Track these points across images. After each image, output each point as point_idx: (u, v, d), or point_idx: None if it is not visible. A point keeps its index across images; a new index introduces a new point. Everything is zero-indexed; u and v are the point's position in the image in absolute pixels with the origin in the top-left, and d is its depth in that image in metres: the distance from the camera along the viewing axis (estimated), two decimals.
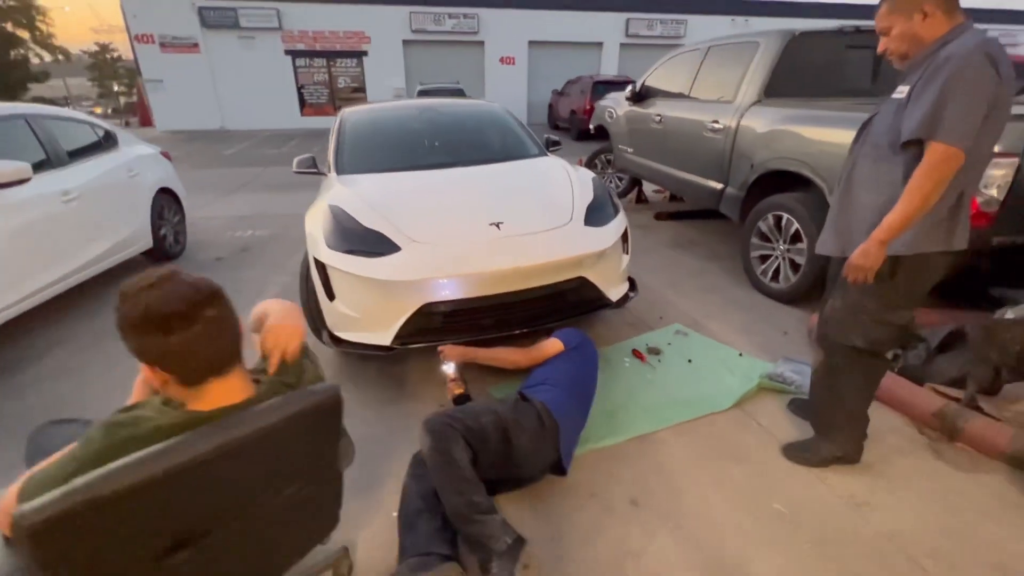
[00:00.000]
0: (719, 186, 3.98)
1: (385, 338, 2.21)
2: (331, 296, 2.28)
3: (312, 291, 2.40)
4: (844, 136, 2.78)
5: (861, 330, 1.67)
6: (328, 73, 16.62)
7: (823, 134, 2.98)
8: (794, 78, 3.60)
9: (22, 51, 30.66)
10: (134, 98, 26.27)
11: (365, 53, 16.50)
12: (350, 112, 3.61)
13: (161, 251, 4.29)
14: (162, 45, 15.06)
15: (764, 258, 3.53)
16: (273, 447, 0.92)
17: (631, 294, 2.76)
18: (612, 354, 2.68)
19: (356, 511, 1.70)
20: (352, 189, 2.65)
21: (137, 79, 17.07)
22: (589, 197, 2.64)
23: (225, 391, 0.89)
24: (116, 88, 44.46)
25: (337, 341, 2.31)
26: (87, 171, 3.53)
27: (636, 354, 2.66)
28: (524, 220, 2.40)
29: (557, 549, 1.54)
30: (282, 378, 1.02)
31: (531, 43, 17.37)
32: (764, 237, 3.49)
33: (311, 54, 16.23)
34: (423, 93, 12.31)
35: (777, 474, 1.84)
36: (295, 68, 16.29)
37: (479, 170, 2.99)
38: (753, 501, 1.72)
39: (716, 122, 3.91)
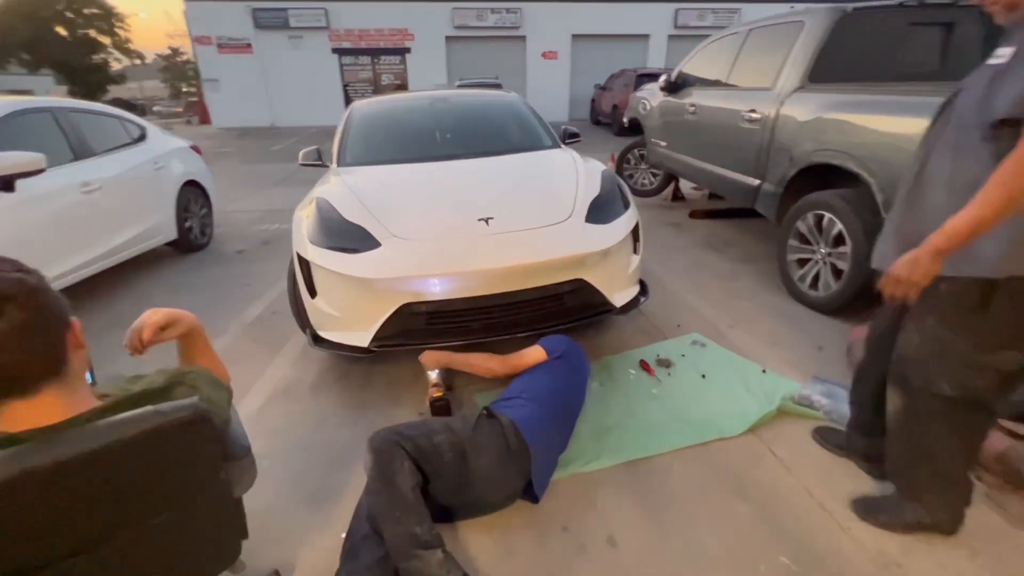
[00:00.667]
0: (755, 182, 3.62)
1: (364, 339, 2.08)
2: (312, 293, 2.18)
3: (297, 288, 2.31)
4: (900, 125, 2.43)
5: (949, 375, 1.30)
6: (373, 70, 16.92)
7: (874, 122, 2.60)
8: (844, 61, 3.20)
9: (103, 55, 33.16)
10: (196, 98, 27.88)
11: (408, 50, 16.67)
12: (360, 104, 3.52)
13: (186, 242, 4.38)
14: (219, 46, 15.80)
15: (802, 262, 3.16)
16: (109, 473, 0.78)
17: (642, 298, 2.51)
18: (616, 364, 2.44)
19: (306, 527, 1.57)
20: (344, 181, 2.54)
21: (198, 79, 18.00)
22: (595, 192, 2.41)
23: (35, 412, 0.75)
24: (184, 89, 47.39)
25: (318, 340, 2.20)
26: (111, 163, 3.62)
27: (643, 365, 2.40)
28: (517, 216, 2.20)
29: None
30: (136, 394, 0.88)
31: (574, 37, 17.00)
32: (803, 239, 3.13)
33: (356, 52, 16.57)
34: (462, 87, 12.27)
35: (788, 518, 1.56)
36: (341, 66, 16.69)
37: (481, 163, 2.81)
38: (755, 550, 1.45)
39: (753, 111, 3.55)
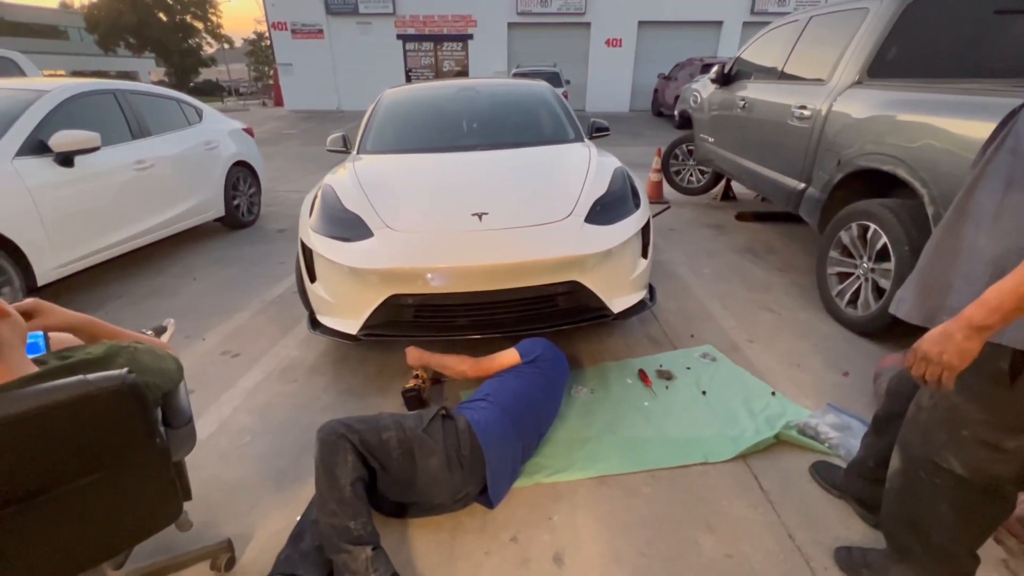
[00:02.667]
0: (800, 185, 3.33)
1: (353, 327, 2.11)
2: (312, 278, 2.24)
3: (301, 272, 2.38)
4: (962, 128, 2.14)
5: (961, 452, 1.11)
6: (434, 56, 17.13)
7: (931, 125, 2.30)
8: (910, 53, 2.85)
9: (196, 40, 35.80)
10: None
11: (470, 36, 16.71)
12: (389, 92, 3.56)
13: (233, 219, 4.65)
14: (293, 32, 16.56)
15: (843, 276, 2.88)
16: (37, 435, 0.83)
17: (648, 303, 2.39)
18: (613, 372, 2.34)
19: (269, 504, 1.63)
20: (355, 169, 2.58)
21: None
22: (601, 191, 2.30)
23: None
24: (268, 72, 50.29)
25: (315, 324, 2.27)
26: (165, 143, 3.89)
27: (642, 376, 2.29)
28: (513, 212, 2.14)
29: None
30: (73, 362, 0.93)
31: (641, 23, 16.35)
32: (845, 251, 2.85)
33: (420, 38, 16.83)
34: (518, 76, 12.16)
35: (759, 558, 1.43)
36: (405, 52, 17.03)
37: (495, 155, 2.76)
38: None
39: (804, 108, 3.25)
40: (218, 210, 4.44)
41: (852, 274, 2.80)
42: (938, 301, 1.09)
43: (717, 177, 5.56)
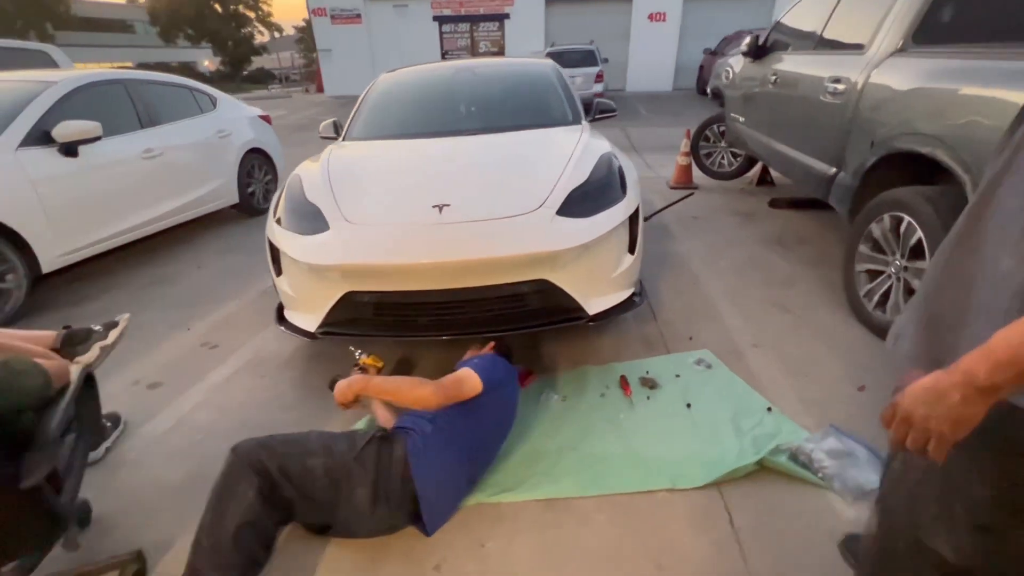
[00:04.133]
0: (831, 170, 2.95)
1: (312, 324, 2.03)
2: (278, 271, 2.17)
3: None
4: (1020, 100, 1.77)
5: (952, 533, 0.84)
6: (470, 38, 16.87)
7: (978, 97, 1.93)
8: (968, 14, 2.42)
9: (248, 29, 37.02)
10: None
11: (507, 16, 16.31)
12: (385, 75, 3.42)
13: (248, 206, 4.71)
14: (332, 17, 16.72)
15: (873, 275, 2.53)
16: None
17: (635, 303, 2.17)
18: (592, 378, 2.15)
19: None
20: (329, 157, 2.48)
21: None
22: (580, 180, 2.08)
23: None
24: (314, 58, 51.51)
25: (280, 319, 2.20)
26: (174, 131, 3.94)
27: (622, 383, 2.09)
28: (477, 204, 1.97)
29: None
30: None
31: None
32: (876, 246, 2.50)
33: (456, 19, 16.58)
34: (552, 56, 11.75)
35: None
36: (441, 34, 16.85)
37: (475, 140, 2.58)
38: None
39: (837, 81, 2.86)
40: (231, 197, 4.49)
41: (883, 272, 2.46)
42: (945, 336, 0.80)
43: (751, 160, 5.12)
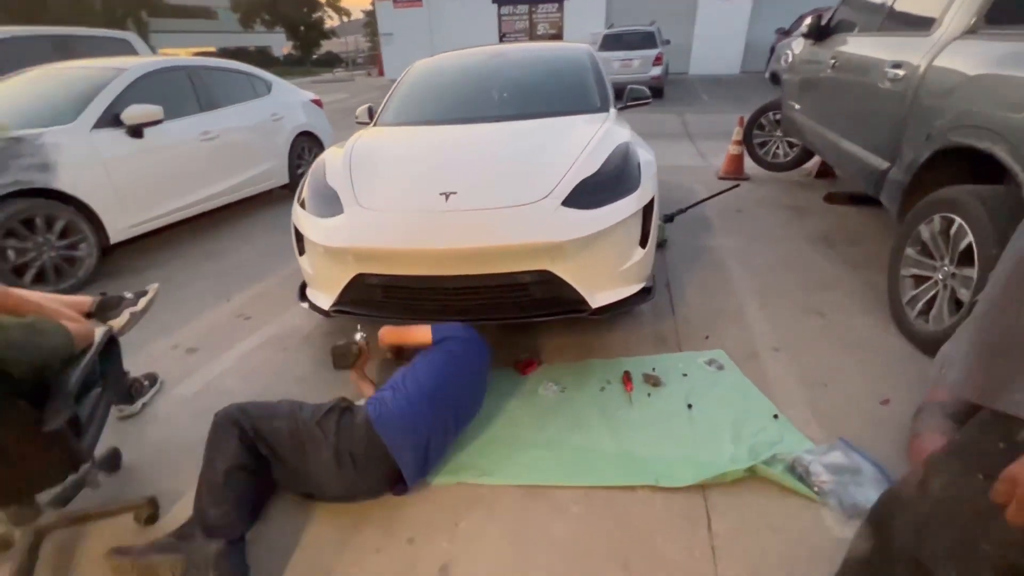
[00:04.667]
0: (883, 164, 2.72)
1: (326, 301, 2.14)
2: (301, 251, 2.29)
3: None
4: None
5: (967, 570, 0.76)
6: (529, 20, 16.66)
7: None
8: None
9: (319, 14, 38.38)
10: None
11: None
12: (420, 62, 3.48)
13: (297, 186, 4.96)
14: (395, 1, 17.03)
15: (919, 280, 2.33)
16: None
17: (644, 295, 2.12)
18: (596, 371, 2.13)
19: None
20: (355, 142, 2.56)
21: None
22: (591, 170, 2.04)
23: None
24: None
25: (302, 296, 2.33)
26: (231, 115, 4.20)
27: (625, 379, 2.06)
28: (484, 192, 1.99)
29: None
30: None
31: None
32: (925, 249, 2.29)
33: (515, 1, 16.41)
34: (609, 38, 11.40)
35: None
36: (499, 17, 16.75)
37: (495, 128, 2.58)
38: None
39: (898, 66, 2.61)
40: (281, 178, 4.75)
41: (929, 278, 2.26)
42: (1009, 370, 0.70)
43: (809, 151, 4.78)
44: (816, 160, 4.95)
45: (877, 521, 0.95)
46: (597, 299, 1.99)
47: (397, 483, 1.52)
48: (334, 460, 1.40)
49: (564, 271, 1.91)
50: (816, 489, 1.52)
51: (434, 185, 2.03)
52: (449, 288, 1.97)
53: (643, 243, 2.09)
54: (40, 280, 2.91)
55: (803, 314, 2.56)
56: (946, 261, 2.14)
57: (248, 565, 1.30)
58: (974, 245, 1.93)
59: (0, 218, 2.70)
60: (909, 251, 2.37)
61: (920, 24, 2.59)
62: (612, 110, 2.78)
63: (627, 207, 1.98)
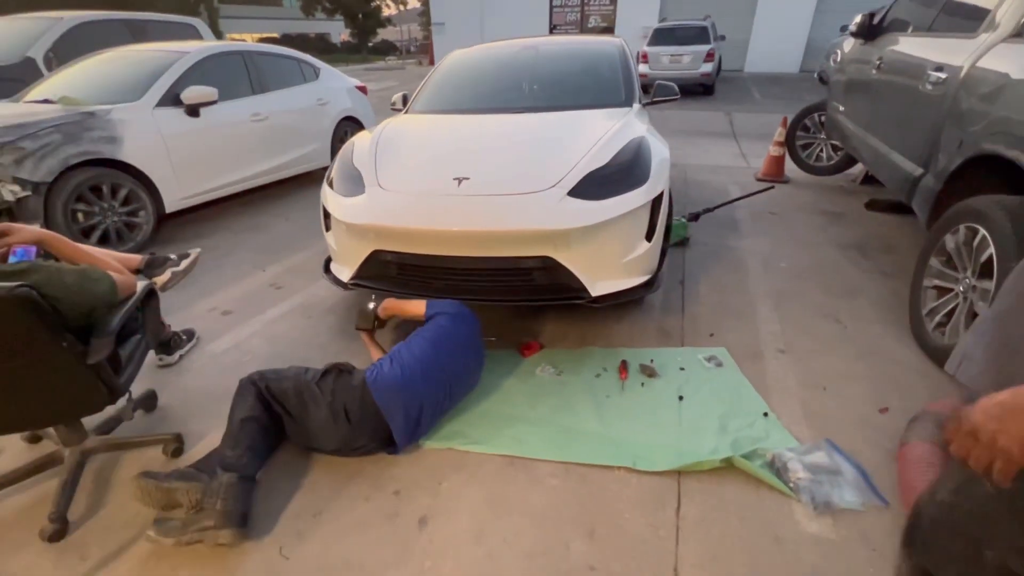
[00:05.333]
0: (917, 171, 2.62)
1: (346, 274, 2.30)
2: (327, 227, 2.46)
3: None
4: None
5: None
6: (581, 12, 16.49)
7: None
8: None
9: (376, 2, 39.24)
10: None
11: None
12: (454, 53, 3.59)
13: None
14: None
15: (941, 292, 2.26)
16: None
17: (647, 287, 2.16)
18: (594, 358, 2.20)
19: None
20: (384, 127, 2.71)
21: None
22: (601, 162, 2.10)
23: None
24: None
25: (326, 269, 2.51)
26: (280, 98, 4.46)
27: (621, 367, 2.12)
28: (495, 179, 2.08)
29: (297, 524, 1.46)
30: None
31: None
32: (949, 260, 2.22)
33: None
34: (659, 32, 11.17)
35: None
36: (551, 8, 16.66)
37: (516, 118, 2.67)
38: None
39: (940, 69, 2.51)
40: (323, 160, 5.00)
41: (951, 290, 2.18)
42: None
43: (852, 156, 4.59)
44: (862, 166, 4.75)
45: (905, 540, 0.92)
46: (598, 288, 2.06)
47: (390, 443, 1.65)
48: (330, 415, 1.56)
49: (566, 259, 1.98)
50: (791, 485, 1.54)
51: (450, 170, 2.14)
52: (457, 268, 2.09)
53: (649, 236, 2.13)
54: (104, 242, 3.24)
55: (818, 319, 2.53)
56: (968, 273, 2.07)
57: (252, 502, 1.47)
58: (995, 257, 1.87)
59: (72, 184, 3.02)
60: (934, 261, 2.29)
61: (968, 25, 2.47)
62: (636, 105, 2.80)
63: (633, 200, 2.02)
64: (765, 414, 1.85)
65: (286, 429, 1.63)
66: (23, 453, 1.73)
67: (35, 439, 1.77)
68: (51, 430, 1.61)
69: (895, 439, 1.72)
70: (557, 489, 1.56)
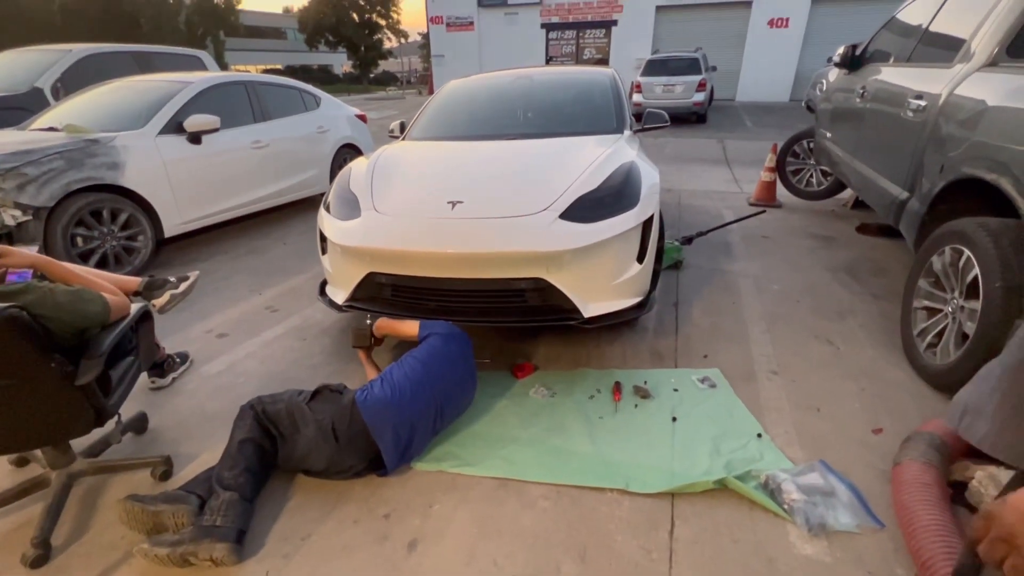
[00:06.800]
0: (903, 194, 2.68)
1: (341, 297, 2.32)
2: (323, 250, 2.49)
3: None
4: None
5: None
6: (576, 44, 17.02)
7: None
8: None
9: (379, 36, 40.42)
10: None
11: (614, 22, 16.21)
12: (451, 83, 3.70)
13: None
14: (447, 25, 17.83)
15: (930, 313, 2.28)
16: None
17: (639, 308, 2.18)
18: (588, 379, 2.20)
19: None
20: (381, 153, 2.77)
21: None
22: (591, 186, 2.15)
23: None
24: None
25: (321, 291, 2.52)
26: (280, 126, 4.57)
27: (615, 388, 2.11)
28: (488, 203, 2.12)
29: (285, 547, 1.44)
30: None
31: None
32: (937, 282, 2.25)
33: (563, 26, 16.84)
34: (652, 63, 11.51)
35: None
36: (547, 40, 17.20)
37: (509, 145, 2.74)
38: None
39: (920, 97, 2.60)
40: (323, 186, 5.07)
41: (940, 311, 2.20)
42: None
43: (842, 181, 4.68)
44: (851, 192, 4.84)
45: None
46: (590, 309, 2.07)
47: (380, 465, 1.64)
48: (318, 433, 1.55)
49: (558, 280, 2.01)
50: (785, 506, 1.53)
51: (444, 194, 2.19)
52: (450, 290, 2.11)
53: (640, 259, 2.16)
54: (102, 265, 3.26)
55: (811, 340, 2.54)
56: (956, 293, 2.10)
57: (250, 523, 1.45)
58: (980, 278, 1.90)
59: (73, 208, 3.06)
60: (922, 282, 2.32)
61: (945, 56, 2.57)
62: (627, 131, 2.88)
63: (623, 223, 2.06)
64: (759, 435, 1.84)
65: (279, 454, 1.62)
66: (9, 476, 1.71)
67: (22, 462, 1.75)
68: (38, 452, 1.60)
69: (889, 459, 1.71)
70: (548, 511, 1.55)
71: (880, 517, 1.49)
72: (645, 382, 2.17)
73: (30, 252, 1.43)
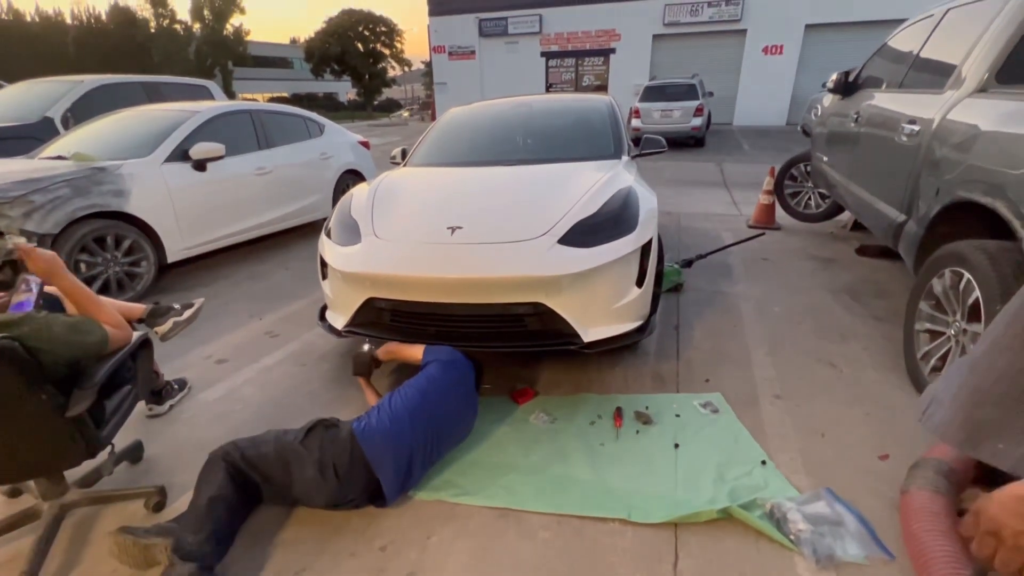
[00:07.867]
0: (900, 217, 2.69)
1: (340, 322, 2.32)
2: (323, 276, 2.50)
3: None
4: None
5: None
6: (575, 72, 17.41)
7: None
8: None
9: (383, 64, 41.43)
10: None
11: (613, 51, 16.62)
12: (452, 110, 3.77)
13: None
14: (450, 54, 18.29)
15: (933, 335, 2.26)
16: None
17: (639, 333, 2.17)
18: (589, 405, 2.17)
19: None
20: (382, 180, 2.81)
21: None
22: (590, 211, 2.16)
23: None
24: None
25: (321, 316, 2.52)
26: (284, 153, 4.64)
27: (616, 414, 2.09)
28: (487, 228, 2.14)
29: None
30: None
31: (808, 27, 14.52)
32: (938, 304, 2.24)
33: (562, 55, 17.26)
34: (650, 89, 11.74)
35: None
36: (547, 68, 17.61)
37: (508, 171, 2.78)
38: None
39: (913, 122, 2.63)
40: (325, 211, 5.12)
41: (943, 333, 2.19)
42: (996, 417, 0.70)
43: (839, 203, 4.72)
44: (850, 214, 4.86)
45: None
46: (590, 334, 2.07)
47: (378, 496, 1.61)
48: (318, 473, 1.51)
49: (557, 304, 2.01)
50: (792, 537, 1.49)
51: (443, 220, 2.21)
52: (450, 315, 2.10)
53: (639, 283, 2.16)
54: (104, 291, 3.27)
55: (813, 364, 2.52)
56: (958, 316, 2.09)
57: None
58: (980, 300, 1.89)
59: (78, 235, 3.09)
60: (923, 305, 2.31)
61: (936, 82, 2.62)
62: (624, 157, 2.92)
63: (621, 247, 2.07)
64: (763, 462, 1.81)
65: (263, 494, 1.58)
66: (0, 507, 1.68)
67: (15, 493, 1.72)
68: (31, 483, 1.58)
69: (896, 486, 1.67)
70: (549, 543, 1.51)
71: (889, 547, 1.45)
72: (647, 407, 2.14)
73: (51, 254, 1.46)
